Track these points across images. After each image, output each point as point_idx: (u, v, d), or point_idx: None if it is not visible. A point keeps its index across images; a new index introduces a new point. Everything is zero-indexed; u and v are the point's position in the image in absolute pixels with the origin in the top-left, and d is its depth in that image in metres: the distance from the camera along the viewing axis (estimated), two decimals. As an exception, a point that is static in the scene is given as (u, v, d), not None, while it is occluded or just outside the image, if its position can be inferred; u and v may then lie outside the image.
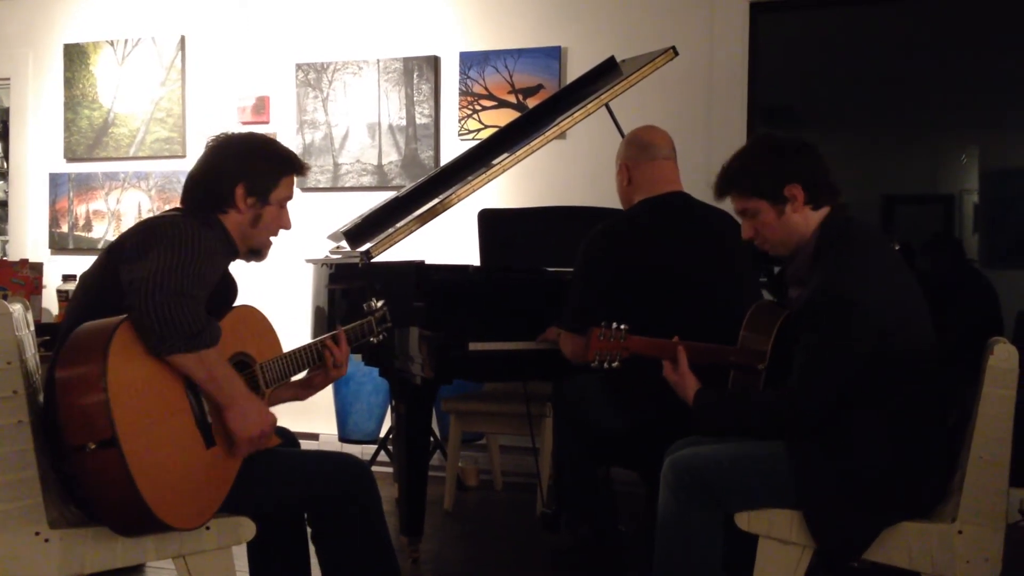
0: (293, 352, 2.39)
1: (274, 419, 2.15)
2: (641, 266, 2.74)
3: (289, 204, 2.35)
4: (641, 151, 2.91)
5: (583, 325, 2.78)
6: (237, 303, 2.32)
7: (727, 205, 2.46)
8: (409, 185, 4.08)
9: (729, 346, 2.45)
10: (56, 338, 2.11)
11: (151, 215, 2.24)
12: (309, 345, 2.44)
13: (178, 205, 2.31)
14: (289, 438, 2.46)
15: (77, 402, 1.88)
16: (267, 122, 5.24)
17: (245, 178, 2.25)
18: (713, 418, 2.32)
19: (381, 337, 2.64)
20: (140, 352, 1.94)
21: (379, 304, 2.64)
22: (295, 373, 2.40)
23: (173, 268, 1.95)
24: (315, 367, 2.45)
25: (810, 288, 2.19)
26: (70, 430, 1.88)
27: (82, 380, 1.88)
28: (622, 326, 2.37)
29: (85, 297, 2.15)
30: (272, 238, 2.34)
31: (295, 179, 2.35)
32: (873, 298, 2.12)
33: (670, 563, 2.27)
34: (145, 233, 2.07)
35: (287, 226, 2.35)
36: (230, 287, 2.30)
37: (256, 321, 2.33)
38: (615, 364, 2.38)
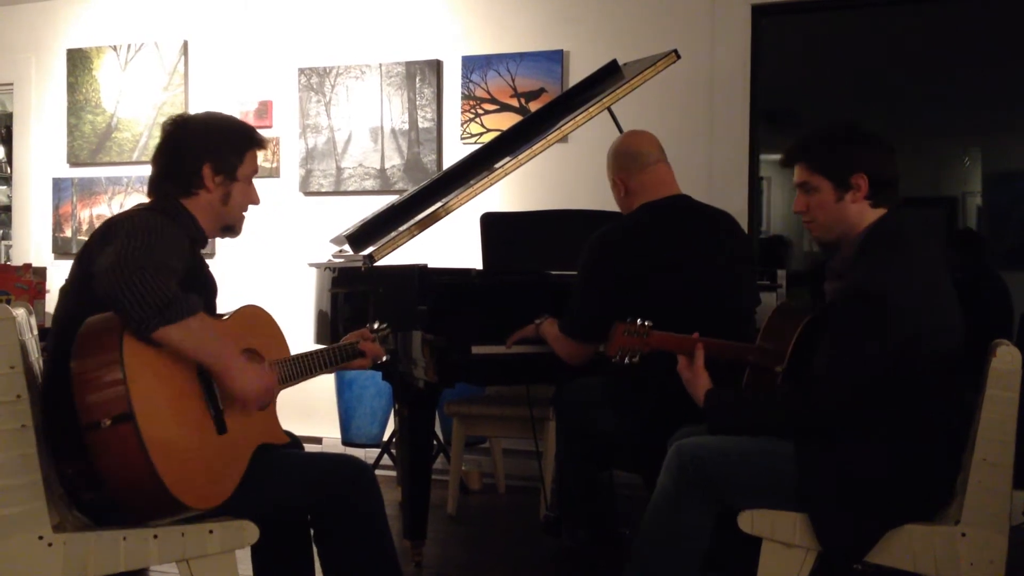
0: (310, 354, 2.42)
1: (274, 379, 2.18)
2: (643, 269, 2.73)
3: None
4: (631, 161, 2.88)
5: (582, 331, 2.78)
6: (243, 303, 2.33)
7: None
8: (412, 189, 4.09)
9: (749, 344, 2.45)
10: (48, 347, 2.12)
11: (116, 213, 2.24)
12: (326, 349, 2.48)
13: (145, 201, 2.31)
14: (293, 441, 2.46)
15: (93, 382, 1.89)
16: (270, 126, 5.24)
17: (210, 157, 2.26)
18: (727, 417, 2.29)
19: (385, 359, 2.68)
20: None
21: (381, 326, 2.67)
22: (311, 375, 2.43)
23: (135, 250, 1.95)
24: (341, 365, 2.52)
25: (848, 281, 2.18)
26: (85, 409, 1.88)
27: (98, 361, 1.90)
28: (646, 322, 2.37)
29: (66, 309, 2.15)
30: (244, 213, 2.37)
31: (258, 153, 2.37)
32: (910, 300, 2.10)
33: (651, 546, 2.27)
34: (106, 230, 2.09)
35: (256, 201, 2.37)
36: (207, 284, 2.29)
37: (263, 321, 2.35)
38: (635, 359, 2.38)
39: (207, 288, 2.30)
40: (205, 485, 2.00)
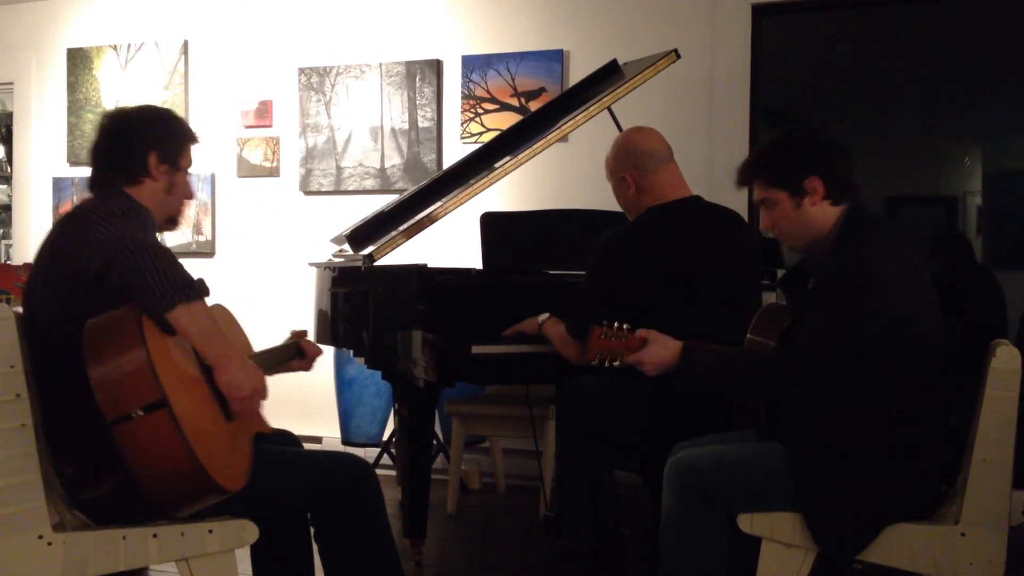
0: (276, 348, 2.46)
1: (263, 379, 2.13)
2: (651, 273, 2.70)
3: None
4: (647, 159, 2.82)
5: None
6: (211, 302, 2.33)
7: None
8: (412, 188, 4.09)
9: (736, 348, 2.44)
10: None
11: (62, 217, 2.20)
12: (270, 349, 2.51)
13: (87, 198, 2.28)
14: (292, 440, 2.46)
15: (119, 377, 1.86)
16: (270, 126, 5.25)
17: (156, 146, 2.25)
18: (701, 364, 2.28)
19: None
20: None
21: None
22: (277, 364, 2.46)
23: (138, 232, 1.94)
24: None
25: (830, 265, 2.20)
26: (112, 404, 1.85)
27: (122, 355, 1.87)
28: (624, 325, 2.35)
29: (46, 311, 2.08)
30: (183, 206, 2.37)
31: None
32: (891, 281, 2.12)
33: (674, 564, 2.28)
34: (78, 225, 2.03)
35: (192, 194, 2.39)
36: None
37: (229, 319, 2.39)
38: (616, 363, 2.36)
39: None
40: (233, 467, 2.00)
